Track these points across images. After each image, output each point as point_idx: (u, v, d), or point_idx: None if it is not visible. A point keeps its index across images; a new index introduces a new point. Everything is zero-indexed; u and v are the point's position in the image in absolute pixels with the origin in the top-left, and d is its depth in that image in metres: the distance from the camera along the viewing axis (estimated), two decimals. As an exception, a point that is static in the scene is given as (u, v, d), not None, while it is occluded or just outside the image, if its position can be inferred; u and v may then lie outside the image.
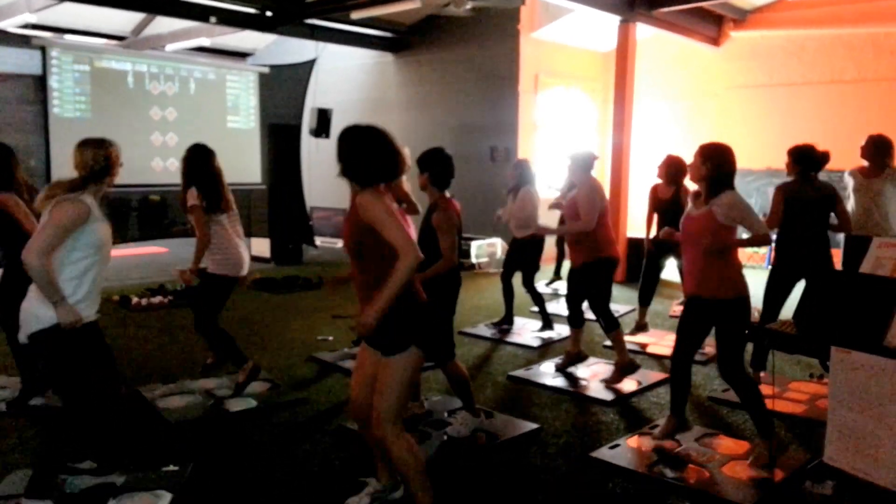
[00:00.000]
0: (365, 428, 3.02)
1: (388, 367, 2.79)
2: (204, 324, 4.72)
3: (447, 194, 4.08)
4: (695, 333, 3.84)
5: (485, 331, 6.70)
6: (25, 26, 10.24)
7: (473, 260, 10.33)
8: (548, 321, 6.64)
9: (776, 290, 4.87)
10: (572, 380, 5.21)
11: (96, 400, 3.14)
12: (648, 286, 6.45)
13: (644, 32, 9.94)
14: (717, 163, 3.64)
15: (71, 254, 3.01)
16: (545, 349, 6.15)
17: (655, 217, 6.41)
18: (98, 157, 3.10)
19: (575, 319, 5.35)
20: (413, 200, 4.99)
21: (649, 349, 6.07)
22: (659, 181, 6.35)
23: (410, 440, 2.87)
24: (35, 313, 2.98)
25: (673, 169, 6.16)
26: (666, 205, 6.17)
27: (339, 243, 12.27)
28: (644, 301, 6.46)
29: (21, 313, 3.04)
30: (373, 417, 2.84)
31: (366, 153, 2.77)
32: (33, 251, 2.89)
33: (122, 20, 12.13)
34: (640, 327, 6.46)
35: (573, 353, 5.40)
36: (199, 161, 4.65)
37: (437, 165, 4.03)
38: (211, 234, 4.60)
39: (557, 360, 5.63)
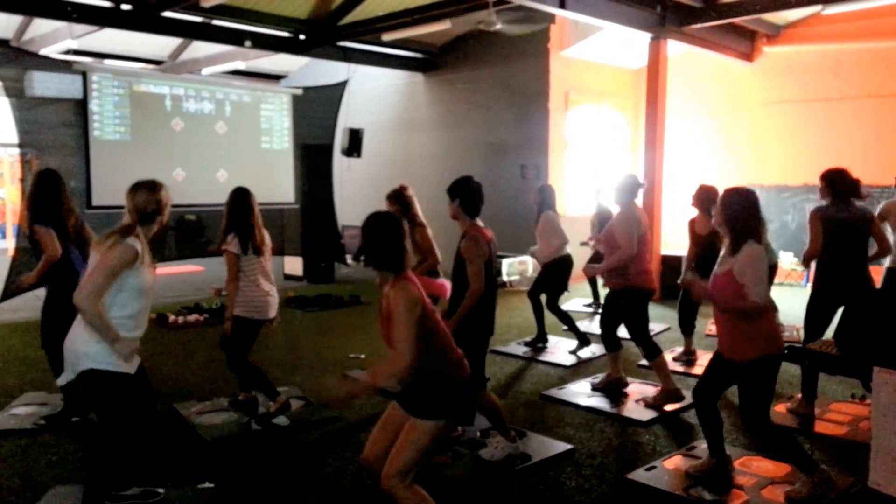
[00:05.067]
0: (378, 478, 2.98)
1: (414, 428, 2.79)
2: (234, 363, 4.76)
3: (479, 222, 4.08)
4: (718, 384, 3.69)
5: (517, 349, 6.66)
6: (67, 52, 10.58)
7: (504, 278, 10.30)
8: (583, 338, 6.55)
9: (818, 315, 4.69)
10: (607, 400, 5.14)
11: (136, 428, 3.20)
12: (685, 318, 6.20)
13: (675, 49, 9.89)
14: (736, 209, 3.44)
15: (118, 295, 3.07)
16: (578, 368, 6.09)
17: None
18: (150, 200, 3.17)
19: (610, 343, 5.29)
20: (436, 252, 5.04)
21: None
22: (695, 213, 6.01)
23: (421, 492, 2.81)
24: (86, 352, 3.03)
25: (706, 198, 5.72)
26: (704, 240, 5.81)
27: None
28: (685, 331, 6.24)
29: (67, 352, 3.08)
30: (384, 470, 2.79)
31: (391, 241, 2.81)
32: (84, 296, 2.97)
33: (160, 45, 12.48)
34: (688, 353, 6.23)
35: (613, 378, 5.32)
36: (241, 205, 4.68)
37: (466, 194, 4.03)
38: (240, 277, 4.62)
39: (592, 378, 5.57)
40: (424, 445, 2.78)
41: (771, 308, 3.52)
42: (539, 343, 6.74)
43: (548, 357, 6.39)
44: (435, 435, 2.80)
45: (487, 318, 4.08)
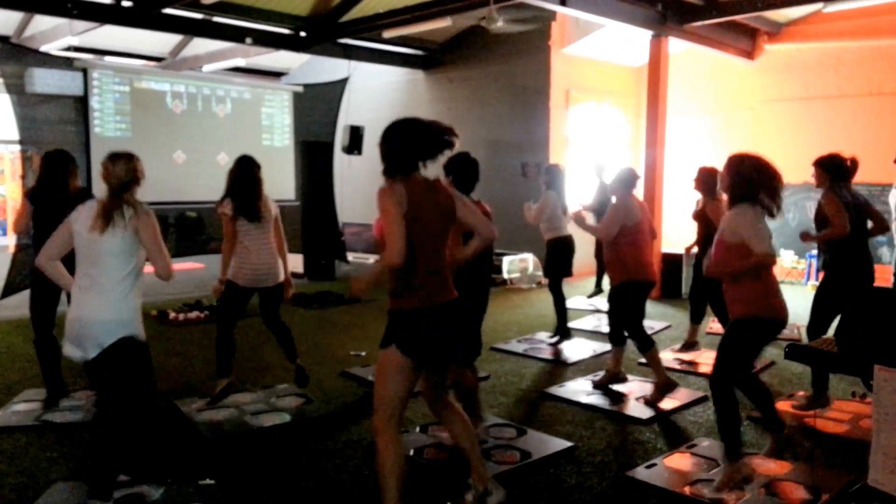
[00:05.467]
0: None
1: (378, 359, 2.96)
2: (219, 329, 4.78)
3: (475, 199, 4.14)
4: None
5: (517, 346, 6.66)
6: (68, 49, 10.57)
7: (505, 275, 10.30)
8: (565, 332, 6.56)
9: (827, 305, 4.60)
10: (607, 397, 5.14)
11: (145, 410, 3.33)
12: (695, 304, 6.21)
13: (676, 46, 9.88)
14: (735, 172, 3.54)
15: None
16: (579, 365, 6.09)
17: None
18: (129, 169, 3.30)
19: (615, 337, 5.29)
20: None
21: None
22: (699, 197, 6.13)
23: (396, 442, 2.90)
24: (120, 320, 3.18)
25: (709, 179, 5.81)
26: (706, 219, 5.92)
27: (371, 259, 12.35)
28: (694, 318, 6.23)
29: (89, 325, 3.15)
30: None
31: (385, 145, 2.93)
32: (168, 266, 3.28)
33: (161, 42, 12.47)
34: (690, 345, 6.23)
35: (612, 373, 5.32)
36: (240, 171, 4.74)
37: (460, 169, 4.08)
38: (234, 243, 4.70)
39: (592, 376, 5.58)
40: (382, 375, 2.92)
41: (762, 270, 3.54)
42: (563, 338, 6.72)
43: (548, 354, 6.39)
44: (386, 363, 2.89)
45: (483, 292, 4.17)
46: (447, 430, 3.13)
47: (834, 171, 4.60)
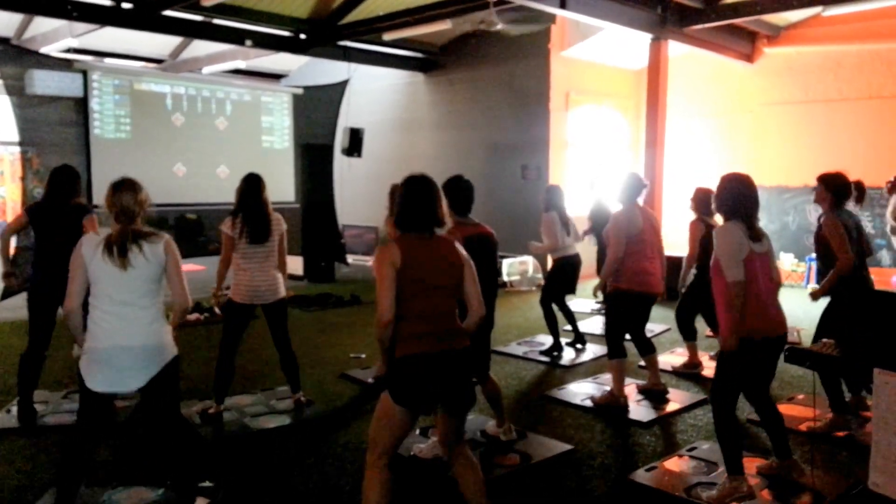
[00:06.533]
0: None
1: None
2: (221, 352, 4.73)
3: (472, 219, 4.12)
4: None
5: (516, 349, 6.66)
6: (68, 51, 10.58)
7: (505, 278, 10.30)
8: (556, 344, 6.51)
9: (835, 322, 4.40)
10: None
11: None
12: (683, 322, 5.97)
13: (676, 50, 9.89)
14: (723, 193, 3.53)
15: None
16: (579, 368, 6.09)
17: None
18: (136, 202, 3.22)
19: (612, 349, 5.05)
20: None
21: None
22: (694, 217, 5.87)
23: (382, 481, 2.88)
24: (168, 341, 3.23)
25: (704, 201, 5.62)
26: (703, 242, 5.61)
27: (370, 261, 12.34)
28: (686, 336, 5.98)
29: (144, 349, 3.13)
30: None
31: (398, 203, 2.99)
32: (187, 292, 3.29)
33: (161, 44, 12.47)
34: (691, 366, 5.90)
35: (615, 398, 4.99)
36: (243, 190, 4.71)
37: (454, 193, 4.03)
38: (233, 260, 4.67)
39: (592, 379, 5.57)
40: (377, 415, 2.94)
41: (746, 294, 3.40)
42: (578, 343, 6.68)
43: (548, 357, 6.38)
44: (381, 404, 2.91)
45: (487, 313, 4.11)
46: (458, 478, 3.03)
47: (838, 192, 4.38)
